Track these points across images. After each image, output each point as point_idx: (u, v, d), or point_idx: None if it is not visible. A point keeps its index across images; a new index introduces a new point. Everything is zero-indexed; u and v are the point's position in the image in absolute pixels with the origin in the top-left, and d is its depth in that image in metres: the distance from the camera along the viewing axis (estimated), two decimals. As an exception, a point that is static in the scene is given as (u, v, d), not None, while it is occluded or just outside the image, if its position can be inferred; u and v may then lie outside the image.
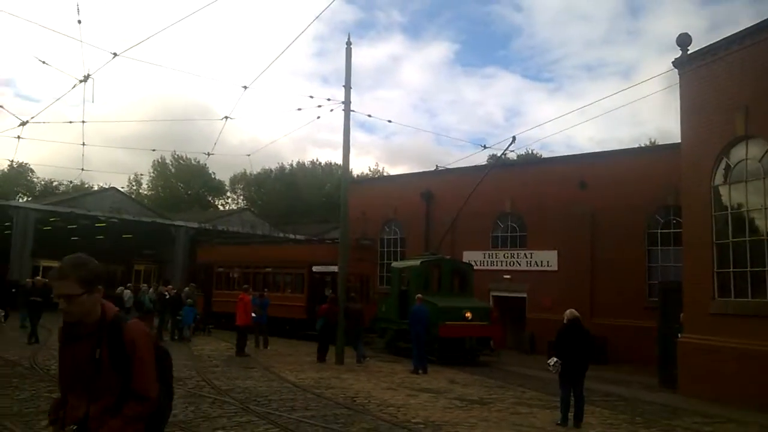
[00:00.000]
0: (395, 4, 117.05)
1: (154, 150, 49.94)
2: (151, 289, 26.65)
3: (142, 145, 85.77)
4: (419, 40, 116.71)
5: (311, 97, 19.78)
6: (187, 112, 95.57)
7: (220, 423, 9.41)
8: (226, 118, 20.56)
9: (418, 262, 21.69)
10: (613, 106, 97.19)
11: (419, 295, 18.56)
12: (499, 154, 22.00)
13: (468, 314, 19.74)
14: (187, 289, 25.86)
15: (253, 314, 20.06)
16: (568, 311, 11.06)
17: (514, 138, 21.25)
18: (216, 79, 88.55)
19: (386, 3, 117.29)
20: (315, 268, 25.13)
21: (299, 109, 21.60)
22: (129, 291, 27.23)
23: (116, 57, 14.50)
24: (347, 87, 19.29)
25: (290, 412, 10.46)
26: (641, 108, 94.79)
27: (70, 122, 21.95)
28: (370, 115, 21.62)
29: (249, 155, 39.98)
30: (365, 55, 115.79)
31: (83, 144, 19.47)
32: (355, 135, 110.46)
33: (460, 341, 19.46)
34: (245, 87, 18.62)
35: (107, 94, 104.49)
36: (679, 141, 22.21)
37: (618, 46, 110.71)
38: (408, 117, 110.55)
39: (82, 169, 26.68)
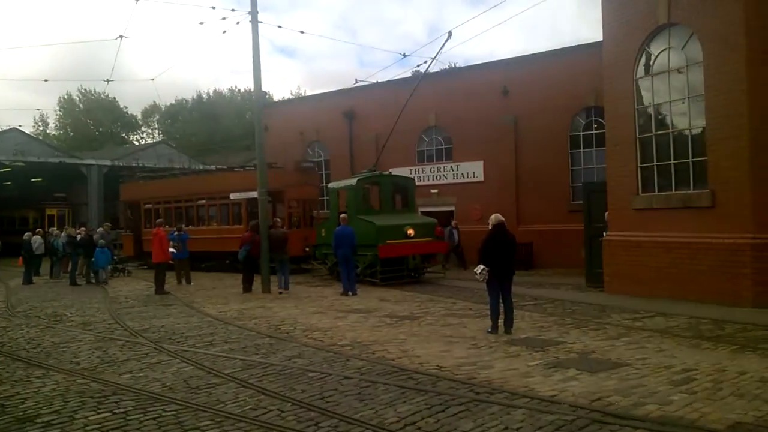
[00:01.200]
0: None
1: (46, 80, 46.15)
2: (63, 233, 25.11)
3: (32, 76, 79.95)
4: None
5: (213, 8, 18.01)
6: (76, 35, 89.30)
7: (128, 366, 8.63)
8: (121, 37, 18.94)
9: (354, 181, 20.36)
10: (533, 15, 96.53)
11: (342, 215, 17.80)
12: (432, 56, 20.24)
13: (410, 231, 18.81)
14: (100, 229, 24.37)
15: (172, 249, 19.03)
16: (492, 216, 10.63)
17: (450, 33, 19.31)
18: None
19: None
20: (232, 196, 23.96)
21: (201, 23, 20.10)
22: (38, 236, 25.53)
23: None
24: (253, -3, 17.83)
25: (207, 347, 9.77)
26: (558, 18, 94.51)
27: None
28: (280, 26, 20.30)
29: (153, 79, 37.55)
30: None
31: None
32: (276, 59, 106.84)
33: (403, 260, 18.74)
34: None
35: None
36: (597, 41, 22.16)
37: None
38: (329, 40, 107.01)
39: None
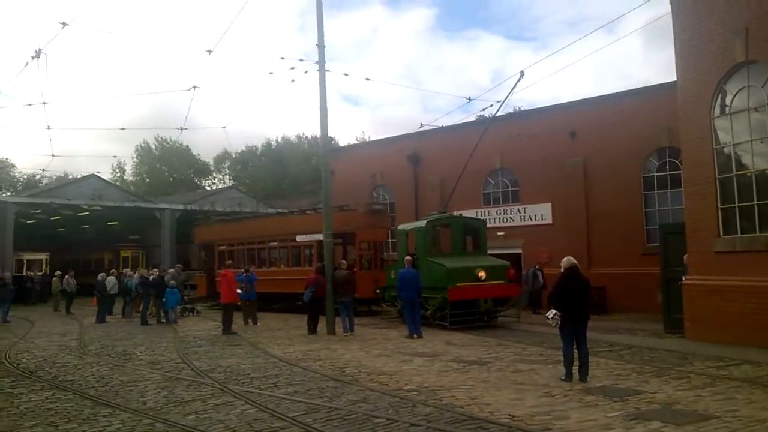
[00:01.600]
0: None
1: (123, 129, 48.22)
2: (136, 274, 25.86)
3: (110, 126, 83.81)
4: (398, 8, 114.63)
5: (282, 58, 18.58)
6: (152, 87, 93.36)
7: (193, 407, 8.57)
8: (194, 87, 19.64)
9: (424, 223, 19.97)
10: (598, 60, 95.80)
11: (407, 257, 17.52)
12: (507, 93, 19.99)
13: (481, 274, 18.08)
14: (171, 270, 24.98)
15: (239, 290, 19.23)
16: (565, 259, 10.23)
17: (522, 73, 18.56)
18: (180, 44, 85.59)
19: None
20: (299, 238, 24.15)
21: (271, 73, 20.66)
22: (113, 277, 26.34)
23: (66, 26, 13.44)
24: (320, 45, 18.21)
25: (272, 389, 9.64)
26: (625, 62, 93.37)
27: (30, 104, 20.66)
28: (346, 74, 20.75)
29: (224, 127, 38.77)
30: (346, 27, 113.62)
31: (48, 128, 18.48)
32: (342, 107, 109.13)
33: (474, 303, 17.97)
34: (210, 51, 17.67)
35: (60, 70, 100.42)
36: (667, 82, 21.64)
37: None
38: (394, 86, 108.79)
39: (53, 156, 25.48)
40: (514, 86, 19.13)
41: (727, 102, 13.77)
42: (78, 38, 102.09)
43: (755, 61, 12.95)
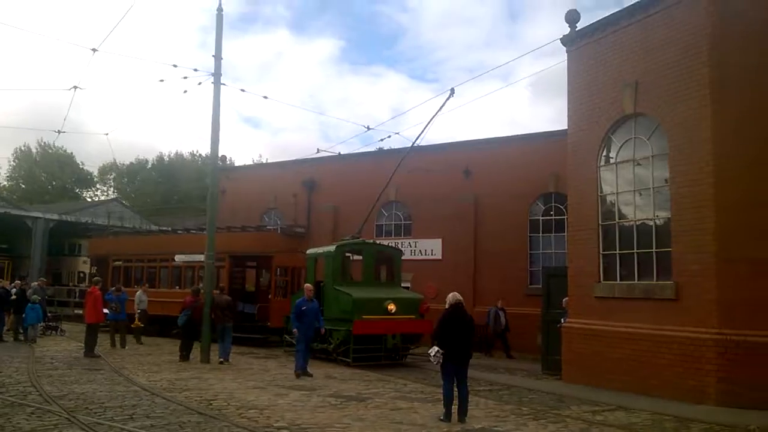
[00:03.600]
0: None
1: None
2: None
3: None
4: (303, 35, 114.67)
5: (175, 66, 17.58)
6: (30, 84, 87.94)
7: (29, 440, 7.54)
8: (75, 87, 18.29)
9: (333, 248, 18.37)
10: (492, 107, 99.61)
11: (307, 285, 15.80)
12: (439, 107, 18.34)
13: (391, 306, 16.67)
14: (35, 284, 22.95)
15: (106, 310, 17.82)
16: (450, 295, 10.00)
17: (452, 90, 17.76)
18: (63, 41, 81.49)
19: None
20: (177, 257, 22.78)
21: (162, 80, 19.48)
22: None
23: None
24: (217, 57, 17.54)
25: (126, 421, 8.68)
26: (516, 111, 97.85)
27: None
28: (243, 90, 20.17)
29: (107, 134, 36.78)
30: (250, 49, 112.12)
31: None
32: (241, 128, 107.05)
33: (380, 339, 16.52)
34: (94, 50, 16.53)
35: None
36: (557, 129, 22.44)
37: (498, 49, 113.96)
38: (294, 111, 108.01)
39: None
40: (443, 104, 18.12)
41: (614, 152, 14.24)
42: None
43: (642, 113, 13.45)
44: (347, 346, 16.50)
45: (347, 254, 19.02)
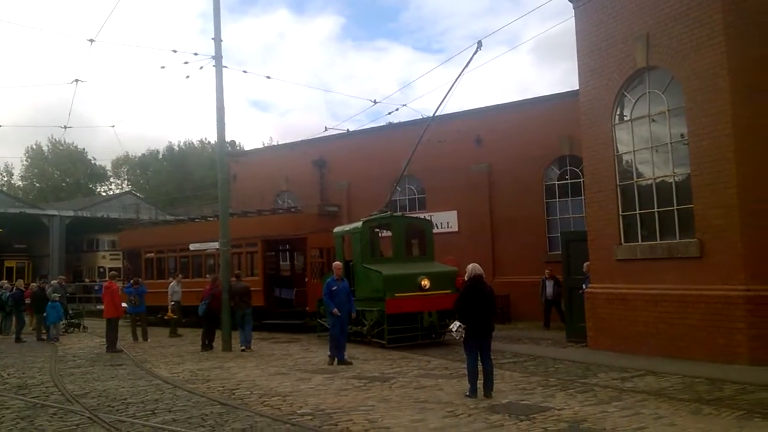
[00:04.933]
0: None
1: (0, 126, 44.25)
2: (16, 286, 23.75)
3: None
4: (304, 14, 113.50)
5: (174, 51, 17.28)
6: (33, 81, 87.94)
7: (51, 443, 7.45)
8: (77, 81, 18.11)
9: (360, 224, 17.26)
10: (498, 74, 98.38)
11: (336, 263, 14.46)
12: (464, 65, 16.56)
13: (425, 282, 15.65)
14: (54, 282, 23.03)
15: (125, 304, 17.80)
16: (469, 266, 9.73)
17: (479, 43, 15.73)
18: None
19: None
20: (192, 246, 22.56)
21: (163, 67, 19.13)
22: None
23: None
24: (216, 39, 17.21)
25: (148, 417, 8.57)
26: (521, 76, 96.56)
27: None
28: (245, 71, 19.84)
29: (113, 126, 36.69)
30: (250, 31, 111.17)
31: None
32: (249, 112, 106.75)
33: (415, 317, 15.59)
34: (91, 40, 16.29)
35: None
36: (568, 90, 21.94)
37: (502, 15, 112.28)
38: (300, 90, 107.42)
39: None
40: (471, 58, 16.42)
41: (628, 109, 13.81)
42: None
43: (656, 66, 13.00)
44: (381, 327, 15.66)
45: (375, 230, 17.89)
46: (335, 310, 13.18)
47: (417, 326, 15.63)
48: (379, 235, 18.41)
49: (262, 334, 19.28)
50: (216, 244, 21.55)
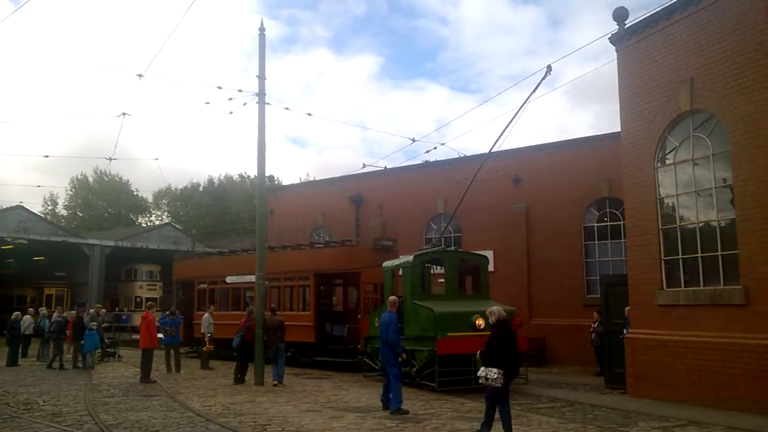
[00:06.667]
0: (319, 19, 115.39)
1: (47, 156, 45.61)
2: (55, 314, 24.18)
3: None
4: (343, 54, 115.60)
5: (220, 87, 17.75)
6: (81, 114, 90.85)
7: (83, 472, 7.46)
8: (124, 114, 18.65)
9: (411, 258, 16.56)
10: (533, 115, 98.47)
11: (392, 297, 13.45)
12: (533, 89, 15.53)
13: (479, 321, 14.59)
14: (92, 311, 23.37)
15: (161, 335, 17.96)
16: (495, 308, 9.56)
17: (549, 67, 14.87)
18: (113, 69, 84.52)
19: (310, 18, 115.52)
20: (228, 279, 22.66)
21: (208, 103, 19.67)
22: (29, 316, 24.58)
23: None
24: (261, 77, 17.69)
25: (180, 450, 8.58)
26: (556, 117, 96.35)
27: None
28: (287, 108, 20.19)
29: (157, 159, 37.50)
30: (291, 70, 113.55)
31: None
32: (287, 147, 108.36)
33: (468, 359, 14.08)
34: (140, 75, 16.78)
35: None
36: (609, 132, 21.75)
37: (540, 57, 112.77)
38: (338, 128, 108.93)
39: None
40: (540, 82, 15.52)
41: (670, 152, 13.62)
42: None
43: (700, 110, 12.84)
44: (432, 368, 14.85)
45: (427, 265, 17.15)
46: (403, 356, 12.29)
47: (470, 368, 13.92)
48: (431, 270, 17.76)
49: (308, 371, 19.08)
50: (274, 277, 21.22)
